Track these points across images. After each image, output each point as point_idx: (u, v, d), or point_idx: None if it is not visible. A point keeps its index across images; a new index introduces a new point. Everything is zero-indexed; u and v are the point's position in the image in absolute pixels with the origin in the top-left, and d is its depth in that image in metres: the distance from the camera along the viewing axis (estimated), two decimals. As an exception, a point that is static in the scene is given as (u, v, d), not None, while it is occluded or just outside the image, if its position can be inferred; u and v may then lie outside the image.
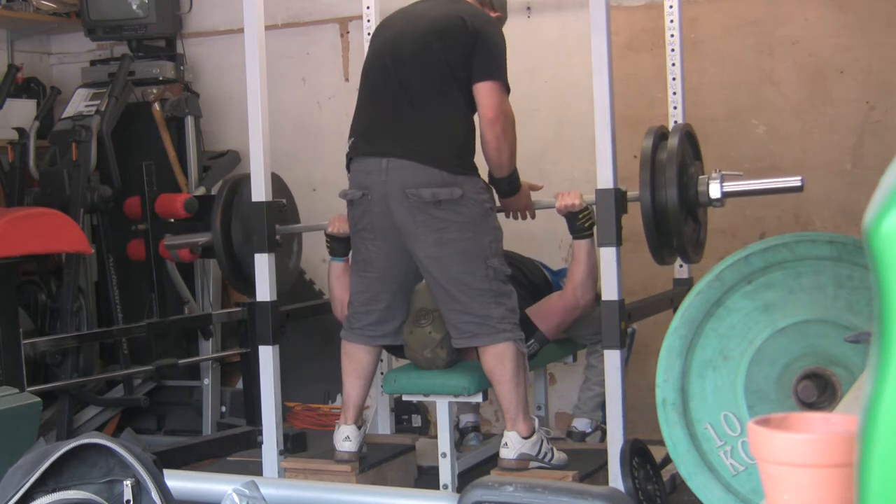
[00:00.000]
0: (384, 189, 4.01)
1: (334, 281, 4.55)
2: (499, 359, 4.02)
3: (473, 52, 4.01)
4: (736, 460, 3.15)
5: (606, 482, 4.01)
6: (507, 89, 4.04)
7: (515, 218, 4.39)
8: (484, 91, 4.00)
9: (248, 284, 4.79)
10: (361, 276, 4.20)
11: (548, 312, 4.41)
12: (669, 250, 4.22)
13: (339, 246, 4.53)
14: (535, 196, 4.40)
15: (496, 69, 4.03)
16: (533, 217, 4.43)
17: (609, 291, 3.96)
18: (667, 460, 3.95)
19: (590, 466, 4.32)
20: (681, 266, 4.94)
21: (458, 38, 4.03)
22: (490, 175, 4.15)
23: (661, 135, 4.20)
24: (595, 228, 4.12)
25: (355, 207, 4.14)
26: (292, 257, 4.97)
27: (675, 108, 4.87)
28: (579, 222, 4.25)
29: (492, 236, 4.07)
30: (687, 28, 5.13)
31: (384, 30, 4.28)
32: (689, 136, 4.30)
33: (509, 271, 4.12)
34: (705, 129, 5.06)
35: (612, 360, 3.96)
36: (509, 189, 4.19)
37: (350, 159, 4.17)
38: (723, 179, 4.11)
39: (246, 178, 4.82)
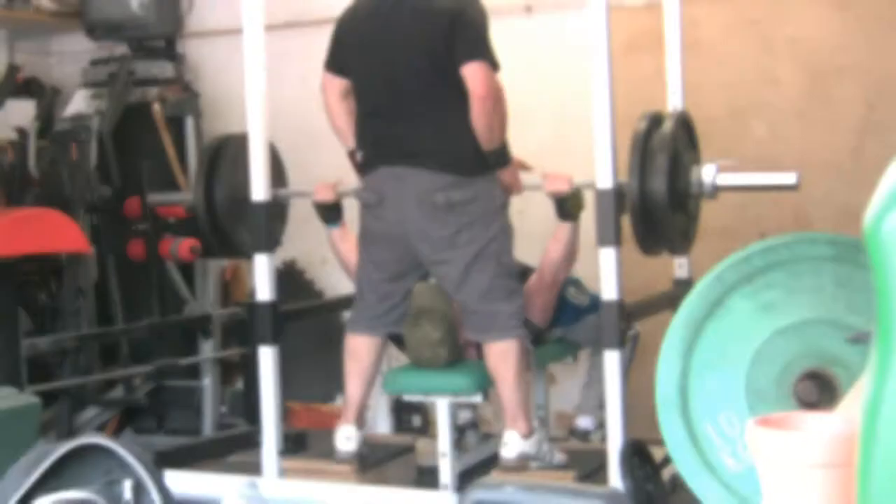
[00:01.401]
0: (400, 195, 4.05)
1: (339, 245, 4.54)
2: (504, 356, 4.05)
3: (454, 35, 3.99)
4: (736, 460, 3.15)
5: (606, 482, 4.01)
6: (494, 66, 4.02)
7: None
8: (472, 71, 3.97)
9: (228, 247, 4.77)
10: (373, 276, 4.24)
11: (529, 296, 4.39)
12: (656, 239, 4.16)
13: (329, 213, 4.52)
14: (525, 178, 4.36)
15: (480, 48, 4.01)
16: (520, 192, 4.38)
17: (609, 291, 3.95)
18: (667, 460, 3.95)
19: (589, 466, 4.32)
20: (680, 266, 4.94)
21: (439, 33, 4.00)
22: None
23: (656, 120, 4.16)
24: (595, 222, 4.13)
25: (369, 211, 4.17)
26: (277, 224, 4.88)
27: (674, 108, 4.87)
28: (567, 206, 4.24)
29: (504, 233, 4.13)
30: (687, 28, 5.12)
31: (364, 28, 4.20)
32: (684, 123, 4.26)
33: (518, 268, 4.17)
34: (705, 129, 5.05)
35: (611, 360, 3.96)
36: (497, 161, 4.13)
37: (363, 172, 4.19)
38: (718, 171, 4.08)
39: (231, 139, 4.79)
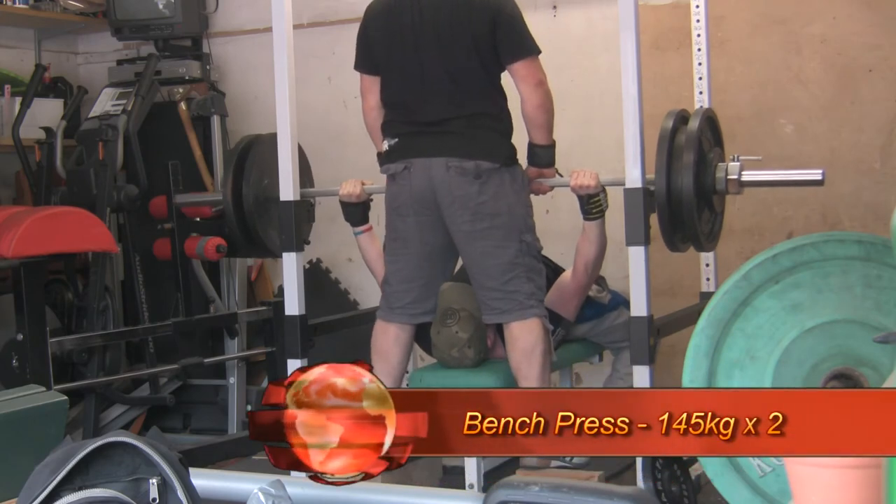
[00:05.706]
0: (428, 164, 4.04)
1: (367, 253, 4.54)
2: (528, 353, 4.04)
3: (498, 32, 4.02)
4: (763, 461, 3.13)
5: (634, 482, 4.00)
6: (538, 52, 4.08)
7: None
8: (524, 66, 4.04)
9: (256, 246, 4.77)
10: (398, 254, 4.22)
11: (566, 296, 4.42)
12: (682, 237, 4.16)
13: (353, 212, 4.49)
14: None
15: (526, 42, 4.07)
16: (544, 193, 4.39)
17: (638, 307, 3.93)
18: (692, 460, 3.93)
19: (617, 466, 4.31)
20: (707, 279, 4.93)
21: (480, 29, 4.02)
22: (530, 145, 4.19)
23: (682, 118, 4.15)
24: (625, 221, 4.13)
25: (395, 182, 4.15)
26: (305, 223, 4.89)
27: (701, 107, 4.85)
28: (588, 205, 4.23)
29: (526, 211, 4.14)
30: (713, 26, 5.10)
31: (395, 22, 4.14)
32: (709, 121, 4.24)
33: (541, 247, 4.20)
34: (732, 128, 5.04)
35: (640, 376, 3.94)
36: (546, 158, 4.21)
37: (389, 160, 4.18)
38: (742, 168, 4.07)
39: (260, 139, 4.79)
